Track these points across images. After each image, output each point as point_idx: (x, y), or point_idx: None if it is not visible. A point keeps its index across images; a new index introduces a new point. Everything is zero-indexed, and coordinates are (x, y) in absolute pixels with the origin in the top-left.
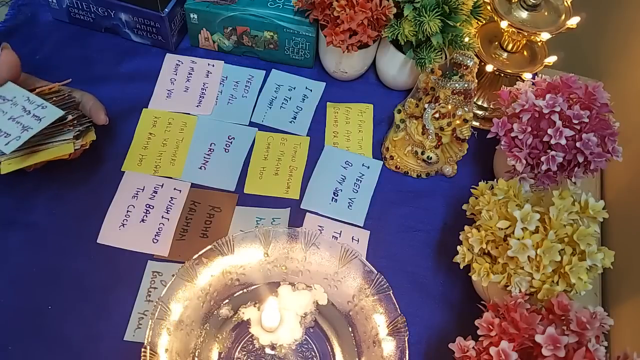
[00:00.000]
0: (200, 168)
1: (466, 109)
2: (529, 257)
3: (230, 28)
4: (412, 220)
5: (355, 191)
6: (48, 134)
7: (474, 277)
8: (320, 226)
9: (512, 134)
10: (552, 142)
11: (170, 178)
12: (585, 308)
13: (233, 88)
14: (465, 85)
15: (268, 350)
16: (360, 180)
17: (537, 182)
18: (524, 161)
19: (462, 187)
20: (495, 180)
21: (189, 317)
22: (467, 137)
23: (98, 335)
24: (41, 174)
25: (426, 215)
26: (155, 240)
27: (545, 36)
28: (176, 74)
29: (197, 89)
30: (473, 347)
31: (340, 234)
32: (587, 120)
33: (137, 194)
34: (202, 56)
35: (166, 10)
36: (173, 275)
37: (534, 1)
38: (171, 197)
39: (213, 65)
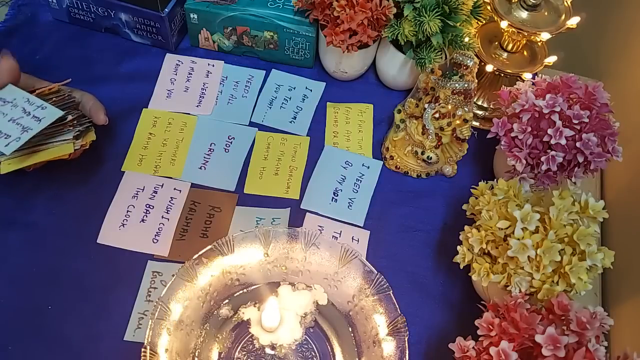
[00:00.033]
0: (200, 168)
1: (466, 109)
2: (529, 257)
3: (230, 28)
4: (412, 220)
5: (355, 191)
6: (48, 134)
7: (474, 277)
8: (320, 226)
9: (512, 134)
10: (552, 142)
11: (170, 178)
12: (585, 308)
13: (233, 88)
14: (465, 85)
15: (268, 350)
16: (360, 180)
17: (537, 182)
18: (524, 161)
19: (462, 187)
20: (495, 180)
21: (189, 317)
22: (467, 137)
23: (98, 335)
24: (41, 174)
25: (426, 215)
26: (155, 240)
27: (545, 36)
28: (176, 74)
29: (197, 89)
30: (473, 347)
31: (340, 234)
32: (587, 120)
33: (137, 194)
34: (202, 56)
35: (166, 10)
36: (173, 275)
37: (534, 1)
38: (171, 197)
39: (213, 65)
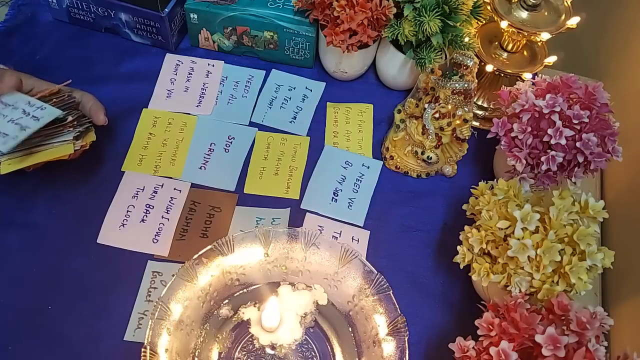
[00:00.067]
0: (200, 168)
1: (466, 109)
2: (529, 257)
3: (230, 28)
4: (412, 220)
5: (355, 191)
6: (48, 134)
7: (474, 277)
8: (320, 226)
9: (512, 134)
10: (552, 142)
11: (170, 178)
12: (585, 308)
13: (233, 88)
14: (465, 85)
15: (268, 350)
16: (360, 180)
17: (537, 182)
18: (524, 161)
19: (462, 187)
20: (495, 180)
21: (189, 317)
22: (467, 137)
23: (98, 335)
24: (41, 174)
25: (426, 215)
26: (155, 240)
27: (545, 36)
28: (176, 74)
29: (197, 89)
30: (473, 347)
31: (340, 234)
32: (587, 120)
33: (137, 194)
34: (202, 56)
35: (166, 10)
36: (173, 275)
37: (534, 1)
38: (171, 197)
39: (213, 65)
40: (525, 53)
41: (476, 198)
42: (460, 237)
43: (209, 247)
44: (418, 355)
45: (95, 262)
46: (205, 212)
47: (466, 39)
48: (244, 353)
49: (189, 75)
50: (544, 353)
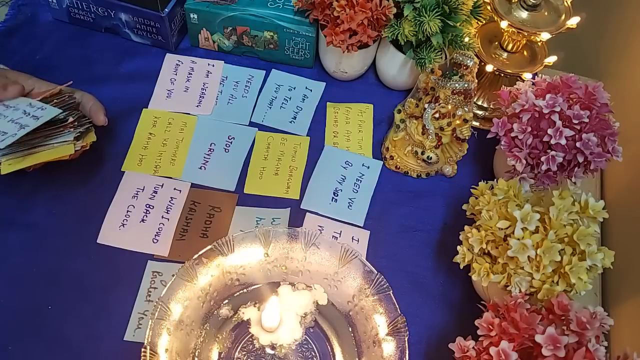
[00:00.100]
0: (200, 168)
1: (466, 109)
2: (529, 257)
3: (230, 28)
4: (412, 220)
5: (355, 191)
6: (49, 135)
7: (474, 277)
8: (320, 226)
9: (512, 134)
10: (552, 142)
11: (170, 178)
12: (585, 308)
13: (233, 88)
14: (465, 85)
15: (268, 350)
16: (360, 180)
17: (537, 182)
18: (524, 161)
19: (462, 187)
20: (495, 180)
21: (189, 317)
22: (467, 137)
23: (98, 335)
24: (41, 174)
25: (426, 215)
26: (155, 240)
27: (545, 36)
28: (176, 74)
29: (197, 89)
30: (473, 347)
31: (340, 234)
32: (587, 120)
33: (137, 194)
34: (202, 56)
35: (166, 10)
36: (173, 275)
37: (534, 1)
38: (171, 197)
39: (213, 65)
40: (525, 53)
41: (476, 198)
42: (460, 237)
43: (209, 247)
44: (418, 355)
45: (95, 262)
46: (205, 212)
47: (466, 39)
48: (244, 353)
49: (189, 75)
50: (544, 353)
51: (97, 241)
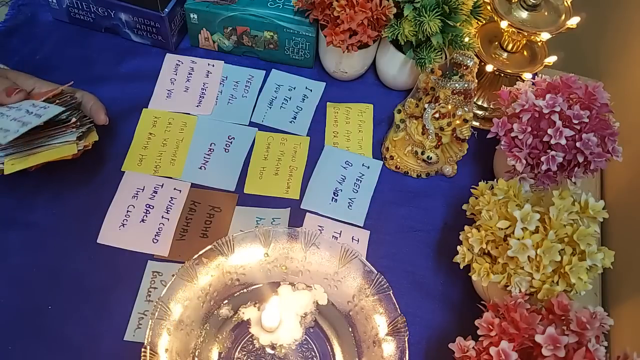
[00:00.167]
0: (200, 168)
1: (466, 109)
2: (529, 257)
3: (230, 28)
4: (412, 220)
5: (355, 191)
6: (51, 135)
7: (474, 277)
8: (320, 226)
9: (512, 134)
10: (552, 142)
11: (170, 178)
12: (585, 308)
13: (233, 88)
14: (465, 85)
15: (268, 350)
16: (360, 180)
17: (537, 182)
18: (524, 161)
19: (462, 187)
20: (495, 180)
21: (189, 317)
22: (467, 137)
23: (98, 335)
24: (41, 174)
25: (426, 215)
26: (155, 240)
27: (545, 36)
28: (176, 74)
29: (197, 89)
30: (473, 347)
31: (340, 234)
32: (587, 120)
33: (137, 194)
34: (202, 56)
35: (166, 10)
36: (173, 275)
37: (534, 1)
38: (171, 197)
39: (213, 65)
40: (525, 53)
41: (476, 198)
42: (460, 237)
43: (209, 247)
44: (418, 355)
45: (95, 262)
46: (205, 212)
47: (466, 39)
48: (244, 353)
49: (189, 75)
50: (544, 353)
51: (97, 241)
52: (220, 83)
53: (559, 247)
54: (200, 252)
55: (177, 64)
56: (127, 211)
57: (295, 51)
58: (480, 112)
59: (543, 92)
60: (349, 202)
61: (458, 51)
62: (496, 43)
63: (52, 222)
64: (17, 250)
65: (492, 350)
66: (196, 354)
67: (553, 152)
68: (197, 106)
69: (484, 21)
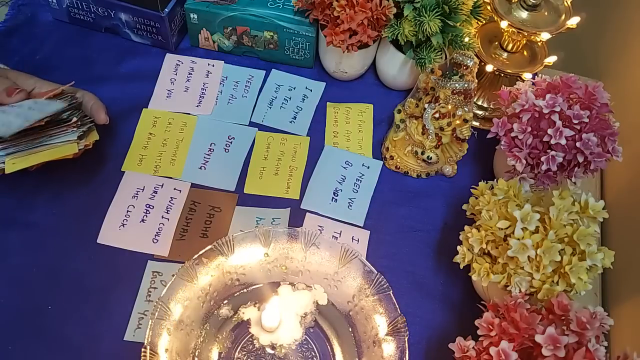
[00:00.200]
0: (200, 168)
1: (466, 109)
2: (529, 257)
3: (230, 28)
4: (412, 220)
5: (355, 191)
6: (52, 134)
7: (474, 277)
8: (320, 226)
9: (512, 134)
10: (552, 142)
11: (170, 178)
12: (585, 308)
13: (233, 88)
14: (465, 85)
15: (268, 350)
16: (360, 180)
17: (537, 182)
18: (524, 161)
19: (462, 187)
20: (495, 180)
21: (189, 317)
22: (467, 137)
23: (98, 335)
24: (41, 174)
25: (426, 215)
26: (155, 240)
27: (545, 36)
28: (176, 74)
29: (197, 89)
30: (473, 347)
31: (340, 234)
32: (587, 120)
33: (137, 194)
34: (202, 56)
35: (166, 10)
36: (173, 275)
37: (534, 1)
38: (171, 197)
39: (213, 65)
40: (525, 53)
41: (476, 198)
42: (460, 237)
43: (209, 247)
44: (418, 355)
45: (95, 262)
46: (205, 212)
47: (466, 39)
48: (244, 353)
49: (189, 75)
50: (544, 353)
51: (97, 241)
52: (220, 83)
53: (559, 247)
54: (200, 252)
55: (177, 64)
56: (127, 211)
57: (295, 51)
58: (480, 112)
59: (543, 92)
60: (349, 202)
61: (458, 51)
62: (496, 43)
63: (52, 222)
64: (17, 250)
65: (492, 350)
66: (196, 354)
67: (553, 152)
68: (197, 106)
69: (484, 21)
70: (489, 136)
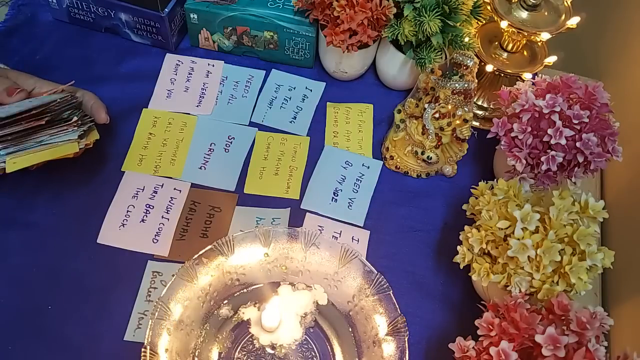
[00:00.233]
0: (200, 168)
1: (466, 109)
2: (529, 257)
3: (230, 28)
4: (412, 220)
5: (355, 191)
6: (53, 133)
7: (474, 277)
8: (320, 226)
9: (512, 134)
10: (552, 142)
11: (170, 178)
12: (585, 308)
13: (233, 88)
14: (465, 85)
15: (268, 350)
16: (360, 180)
17: (537, 182)
18: (524, 161)
19: (462, 187)
20: (495, 180)
21: (189, 317)
22: (467, 137)
23: (98, 335)
24: (41, 174)
25: (426, 215)
26: (155, 240)
27: (545, 36)
28: (176, 74)
29: (197, 89)
30: (473, 347)
31: (340, 234)
32: (587, 120)
33: (137, 194)
34: (202, 56)
35: (166, 10)
36: (173, 275)
37: (534, 1)
38: (171, 197)
39: (213, 65)
40: (525, 53)
41: (476, 198)
42: (460, 237)
43: (209, 247)
44: (418, 355)
45: (95, 262)
46: (205, 212)
47: (466, 39)
48: (244, 353)
49: (189, 75)
50: (544, 353)
51: (97, 241)
52: (220, 83)
53: (559, 247)
54: (200, 252)
55: (177, 64)
56: (127, 211)
57: (295, 51)
58: (480, 112)
59: (543, 92)
60: (349, 202)
61: (458, 51)
62: (496, 43)
63: (52, 222)
64: (17, 250)
65: (492, 350)
66: (196, 354)
67: (553, 152)
68: (197, 106)
69: (484, 21)
70: (489, 136)
